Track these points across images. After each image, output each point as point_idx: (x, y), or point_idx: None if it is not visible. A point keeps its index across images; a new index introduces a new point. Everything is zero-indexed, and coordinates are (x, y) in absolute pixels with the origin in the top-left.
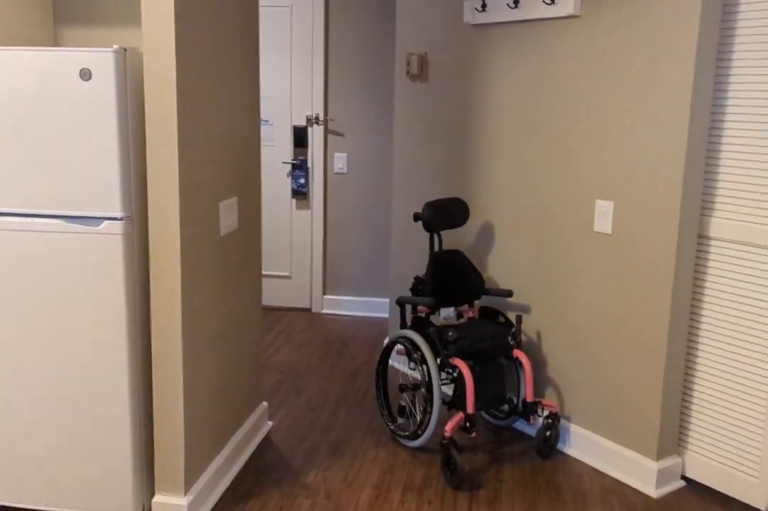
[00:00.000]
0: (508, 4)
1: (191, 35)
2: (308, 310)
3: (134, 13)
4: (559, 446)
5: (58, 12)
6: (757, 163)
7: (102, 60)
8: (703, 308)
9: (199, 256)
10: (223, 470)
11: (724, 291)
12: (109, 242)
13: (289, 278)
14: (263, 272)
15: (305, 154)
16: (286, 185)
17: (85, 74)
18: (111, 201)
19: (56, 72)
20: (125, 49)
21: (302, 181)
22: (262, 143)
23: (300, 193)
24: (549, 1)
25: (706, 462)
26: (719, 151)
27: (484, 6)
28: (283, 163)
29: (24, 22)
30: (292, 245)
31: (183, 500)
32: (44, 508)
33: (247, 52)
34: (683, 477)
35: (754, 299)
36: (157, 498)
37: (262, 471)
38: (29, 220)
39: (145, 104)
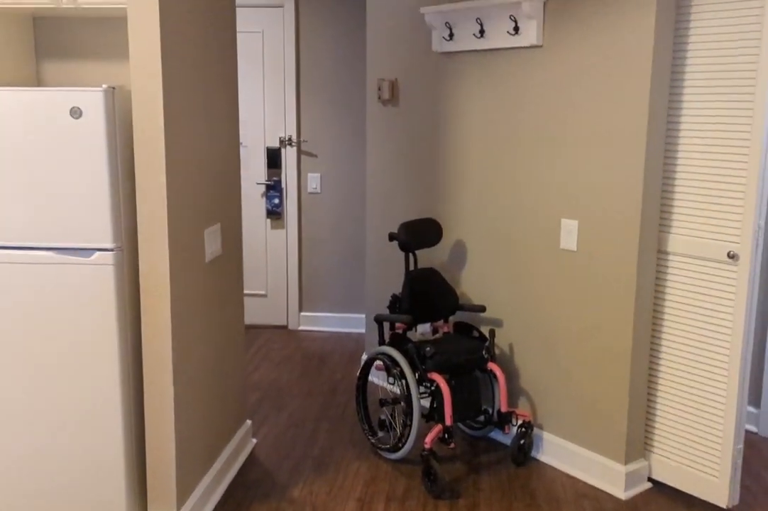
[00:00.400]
0: (474, 34)
1: (176, 71)
2: (285, 327)
3: (114, 48)
4: (533, 453)
5: (39, 47)
6: (708, 183)
7: (92, 99)
8: (664, 319)
9: (186, 283)
10: (212, 487)
11: (682, 302)
12: (101, 272)
13: (265, 296)
14: None
15: (279, 175)
16: (261, 206)
17: (76, 112)
18: (102, 233)
19: (48, 110)
20: (114, 88)
21: (276, 201)
22: None
23: (274, 213)
24: (513, 32)
25: (671, 464)
26: (675, 172)
27: (451, 35)
28: (258, 184)
29: (6, 58)
30: (267, 264)
31: None
32: None
33: (227, 81)
34: (650, 479)
35: (710, 309)
36: None
37: (249, 487)
38: (22, 252)
39: (134, 140)
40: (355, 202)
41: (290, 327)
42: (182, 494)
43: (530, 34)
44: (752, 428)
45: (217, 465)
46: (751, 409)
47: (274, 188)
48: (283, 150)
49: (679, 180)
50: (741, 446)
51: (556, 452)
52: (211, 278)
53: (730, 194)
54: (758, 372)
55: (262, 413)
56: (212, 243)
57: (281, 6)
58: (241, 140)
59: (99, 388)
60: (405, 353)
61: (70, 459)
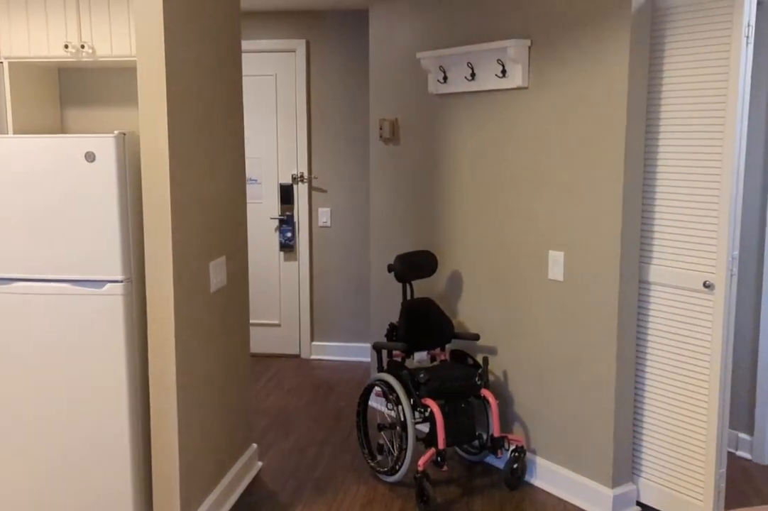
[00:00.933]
0: (465, 77)
1: (182, 116)
2: (297, 356)
3: (129, 95)
4: (527, 477)
5: (63, 96)
6: (684, 216)
7: (104, 144)
8: (647, 346)
9: (191, 311)
10: (216, 506)
11: (664, 330)
12: (112, 302)
13: (278, 326)
14: (254, 321)
15: (292, 210)
16: (275, 239)
17: (90, 156)
18: (112, 266)
19: (65, 155)
20: (124, 134)
21: (289, 235)
22: (251, 201)
23: (287, 246)
24: (501, 75)
25: (658, 488)
26: (653, 206)
27: (445, 78)
28: (271, 218)
29: (35, 106)
30: (280, 295)
31: None
32: None
33: (233, 122)
34: (639, 503)
35: (689, 336)
36: None
37: (252, 507)
38: (40, 284)
39: (142, 180)
40: (364, 235)
41: (302, 356)
42: None
43: (516, 77)
44: (746, 455)
45: (222, 485)
46: (744, 436)
47: (286, 223)
48: (295, 186)
49: (658, 213)
50: (723, 469)
51: (548, 476)
52: (216, 307)
53: (705, 227)
54: (750, 400)
55: (270, 437)
56: (217, 274)
57: (293, 51)
58: (255, 177)
59: (108, 410)
60: (401, 380)
61: (78, 478)
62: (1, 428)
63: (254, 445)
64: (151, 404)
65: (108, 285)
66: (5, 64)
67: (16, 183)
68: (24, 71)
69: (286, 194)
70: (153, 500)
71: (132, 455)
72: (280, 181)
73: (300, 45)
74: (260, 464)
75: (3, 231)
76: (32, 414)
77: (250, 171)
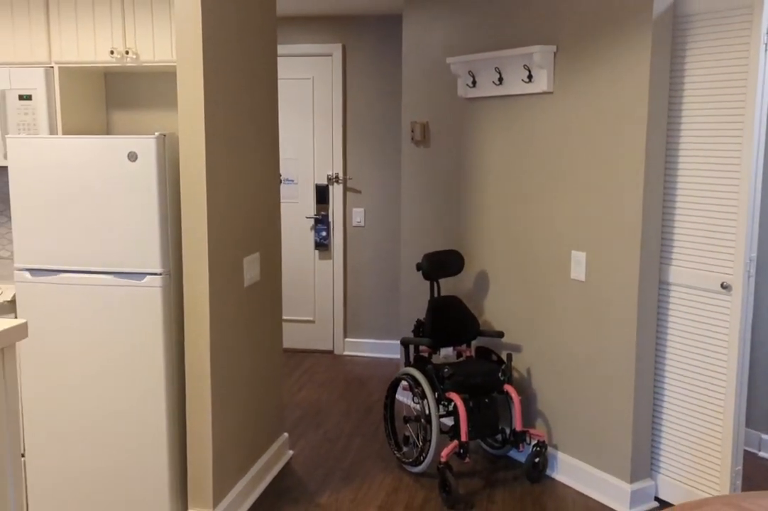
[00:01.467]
0: (493, 82)
1: (219, 118)
2: (331, 352)
3: (170, 99)
4: (549, 472)
5: (109, 98)
6: (703, 218)
7: (146, 144)
8: (666, 345)
9: (225, 304)
10: (247, 490)
11: (682, 330)
12: (151, 293)
13: (313, 322)
14: (289, 317)
15: (327, 210)
16: (310, 238)
17: (132, 156)
18: (152, 259)
19: (109, 155)
20: (164, 135)
21: (324, 234)
22: (288, 201)
23: (322, 245)
24: (527, 80)
25: (676, 485)
26: (674, 207)
27: (474, 83)
28: (307, 218)
29: (83, 108)
30: (315, 292)
31: None
32: None
33: (268, 124)
34: (657, 499)
35: (707, 336)
36: None
37: (281, 492)
38: (86, 276)
39: (181, 179)
40: (395, 235)
41: (336, 352)
42: (219, 494)
43: (542, 82)
44: None
45: (253, 471)
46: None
47: (322, 222)
48: (330, 187)
49: (678, 215)
50: (740, 467)
51: (569, 470)
52: (250, 301)
53: (724, 229)
54: None
55: (302, 428)
56: (250, 270)
57: (330, 55)
58: (292, 178)
59: (146, 397)
60: (426, 374)
61: (118, 462)
62: (46, 410)
63: (285, 434)
64: (187, 392)
65: (147, 277)
66: (56, 69)
67: (63, 180)
68: (73, 75)
69: (322, 194)
70: (187, 482)
71: (168, 443)
72: (316, 182)
73: (336, 49)
74: (291, 452)
75: (50, 225)
76: (74, 398)
77: (287, 171)
